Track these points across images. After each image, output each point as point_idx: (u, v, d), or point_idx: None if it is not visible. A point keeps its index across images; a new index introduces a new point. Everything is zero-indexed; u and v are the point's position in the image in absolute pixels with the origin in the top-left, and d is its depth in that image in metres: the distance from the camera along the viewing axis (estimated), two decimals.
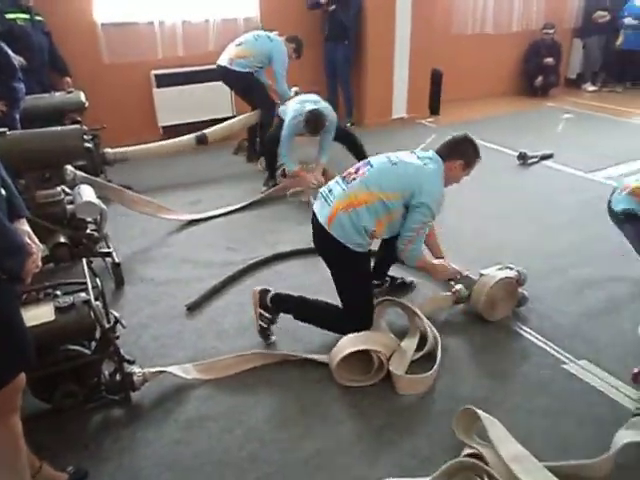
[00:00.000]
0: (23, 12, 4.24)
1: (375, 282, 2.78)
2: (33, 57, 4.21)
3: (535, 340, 2.46)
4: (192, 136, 4.56)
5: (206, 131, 4.61)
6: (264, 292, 2.46)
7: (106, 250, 2.98)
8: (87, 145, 2.85)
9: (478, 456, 1.75)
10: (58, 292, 1.98)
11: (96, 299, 2.00)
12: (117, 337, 2.02)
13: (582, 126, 6.07)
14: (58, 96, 4.06)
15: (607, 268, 3.03)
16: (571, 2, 7.66)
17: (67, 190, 2.92)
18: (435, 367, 2.21)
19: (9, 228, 1.36)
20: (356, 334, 2.28)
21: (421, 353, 2.33)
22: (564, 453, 1.83)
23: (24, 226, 1.49)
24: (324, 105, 3.97)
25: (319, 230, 2.38)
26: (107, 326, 1.98)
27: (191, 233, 3.63)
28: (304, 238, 3.38)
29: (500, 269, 2.64)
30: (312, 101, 3.99)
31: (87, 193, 2.79)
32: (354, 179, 2.38)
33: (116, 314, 2.07)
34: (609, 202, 2.64)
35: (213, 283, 2.92)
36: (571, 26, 7.79)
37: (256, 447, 1.93)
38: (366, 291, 2.47)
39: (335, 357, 2.20)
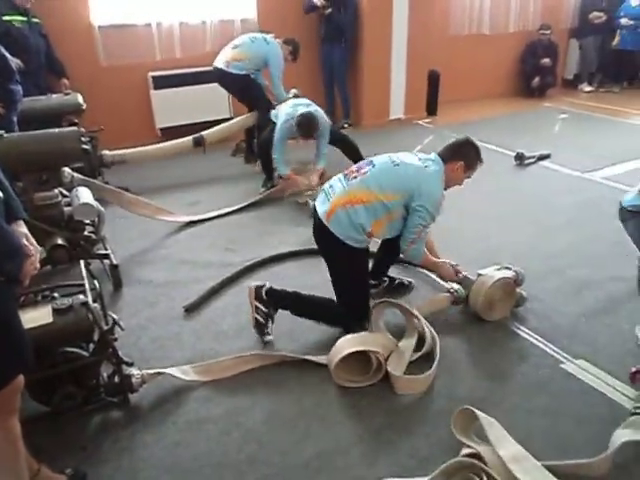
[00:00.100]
0: (20, 14, 4.24)
1: (373, 282, 2.79)
2: (30, 59, 4.21)
3: (533, 340, 2.47)
4: (189, 138, 4.56)
5: (203, 133, 4.61)
6: (259, 287, 2.49)
7: (104, 252, 2.97)
8: (84, 147, 2.85)
9: (477, 456, 1.75)
10: (56, 294, 1.98)
11: (94, 301, 2.00)
12: (115, 339, 2.02)
13: (579, 126, 6.09)
14: (55, 98, 4.05)
15: (605, 268, 3.03)
16: (567, 3, 7.67)
17: (65, 192, 2.92)
18: (433, 367, 2.22)
19: (7, 230, 1.36)
20: (354, 335, 2.29)
21: (419, 354, 2.33)
22: (562, 452, 1.83)
23: (22, 228, 1.49)
24: (316, 108, 3.97)
25: (318, 224, 2.44)
26: (105, 328, 1.97)
27: (189, 234, 3.63)
28: (302, 239, 3.40)
29: (498, 269, 2.65)
30: (304, 104, 4.00)
31: (85, 195, 2.79)
32: (355, 177, 2.43)
33: (114, 316, 2.07)
34: (620, 201, 2.65)
35: (211, 284, 2.92)
36: (567, 27, 7.81)
37: (255, 449, 1.93)
38: (362, 286, 2.52)
39: (334, 358, 2.20)
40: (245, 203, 3.99)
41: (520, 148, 4.91)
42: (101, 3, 4.96)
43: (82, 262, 2.30)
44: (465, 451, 1.80)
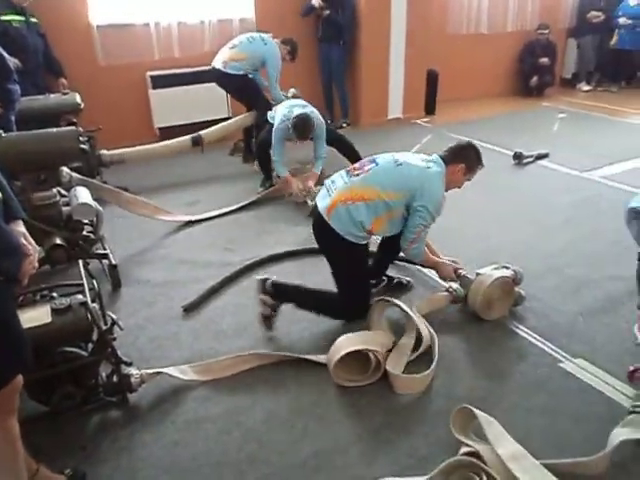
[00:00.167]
0: (18, 14, 4.22)
1: (372, 282, 2.80)
2: (28, 59, 4.20)
3: (532, 339, 2.47)
4: (188, 138, 4.56)
5: (202, 132, 4.61)
6: (264, 280, 2.53)
7: (102, 252, 2.97)
8: (83, 147, 2.84)
9: (475, 455, 1.75)
10: (54, 294, 1.98)
11: (93, 301, 2.00)
12: (114, 339, 2.01)
13: (577, 126, 6.10)
14: (53, 98, 4.04)
15: (603, 267, 3.04)
16: (565, 2, 7.69)
17: (63, 192, 2.91)
18: (432, 366, 2.22)
19: (5, 229, 1.36)
20: (353, 334, 2.29)
21: (417, 353, 2.33)
22: (561, 451, 1.84)
23: (20, 228, 1.49)
24: (312, 110, 3.96)
25: (319, 219, 2.46)
26: (104, 328, 1.97)
27: (188, 234, 3.63)
28: (300, 239, 3.40)
29: (496, 268, 2.65)
30: (300, 105, 3.98)
31: (83, 195, 2.79)
32: (358, 174, 2.46)
33: (113, 316, 2.07)
34: (628, 203, 2.65)
35: (210, 284, 2.92)
36: (565, 26, 7.82)
37: (254, 448, 1.93)
38: (362, 281, 2.56)
39: (333, 357, 2.20)
40: (243, 203, 3.99)
41: (518, 147, 4.91)
42: (99, 2, 4.95)
43: (81, 262, 2.30)
44: (464, 450, 1.80)
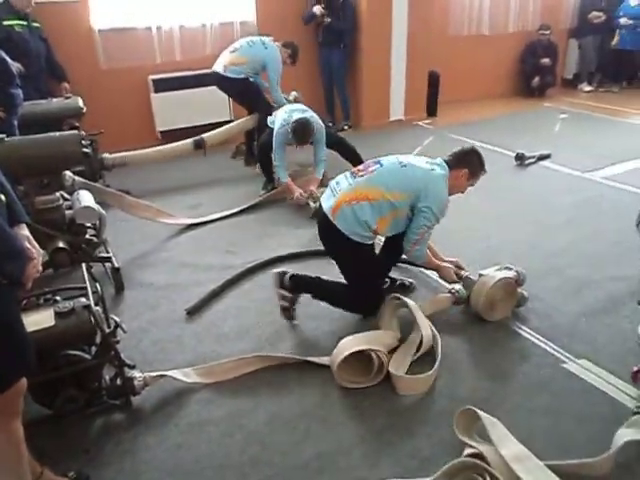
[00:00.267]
0: (20, 19, 4.25)
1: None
2: (31, 63, 4.22)
3: (535, 340, 2.47)
4: (190, 141, 4.57)
5: (204, 135, 4.62)
6: (282, 273, 2.57)
7: (105, 255, 2.98)
8: (85, 150, 2.85)
9: (479, 456, 1.75)
10: (58, 297, 1.99)
11: (96, 304, 2.01)
12: (117, 342, 2.02)
13: (579, 126, 6.09)
14: (56, 102, 4.06)
15: (605, 267, 3.03)
16: (566, 3, 7.69)
17: (66, 196, 2.92)
18: (435, 367, 2.22)
19: (9, 233, 1.37)
20: (356, 335, 2.30)
21: (419, 354, 2.33)
22: (565, 452, 1.83)
23: (24, 231, 1.50)
24: (311, 114, 3.96)
25: (324, 220, 2.48)
26: (107, 331, 1.98)
27: (190, 237, 3.64)
28: (302, 241, 3.41)
29: (499, 269, 2.65)
30: (299, 110, 3.98)
31: (86, 198, 2.80)
32: (362, 175, 2.48)
33: (116, 319, 2.08)
34: None
35: (212, 287, 2.92)
36: (567, 26, 7.82)
37: (257, 450, 1.93)
38: (371, 278, 2.59)
39: (336, 359, 2.20)
40: (245, 205, 3.99)
41: (520, 148, 4.91)
42: (101, 7, 4.97)
43: (84, 265, 2.31)
44: (467, 451, 1.80)
